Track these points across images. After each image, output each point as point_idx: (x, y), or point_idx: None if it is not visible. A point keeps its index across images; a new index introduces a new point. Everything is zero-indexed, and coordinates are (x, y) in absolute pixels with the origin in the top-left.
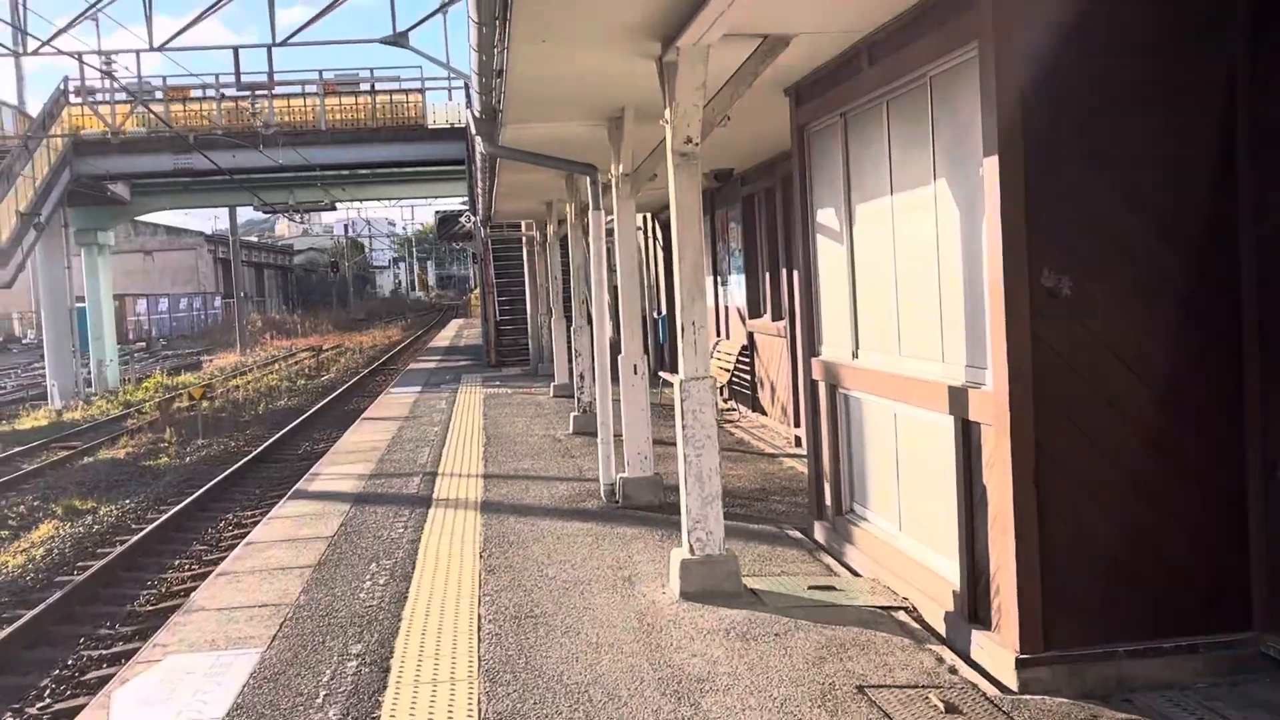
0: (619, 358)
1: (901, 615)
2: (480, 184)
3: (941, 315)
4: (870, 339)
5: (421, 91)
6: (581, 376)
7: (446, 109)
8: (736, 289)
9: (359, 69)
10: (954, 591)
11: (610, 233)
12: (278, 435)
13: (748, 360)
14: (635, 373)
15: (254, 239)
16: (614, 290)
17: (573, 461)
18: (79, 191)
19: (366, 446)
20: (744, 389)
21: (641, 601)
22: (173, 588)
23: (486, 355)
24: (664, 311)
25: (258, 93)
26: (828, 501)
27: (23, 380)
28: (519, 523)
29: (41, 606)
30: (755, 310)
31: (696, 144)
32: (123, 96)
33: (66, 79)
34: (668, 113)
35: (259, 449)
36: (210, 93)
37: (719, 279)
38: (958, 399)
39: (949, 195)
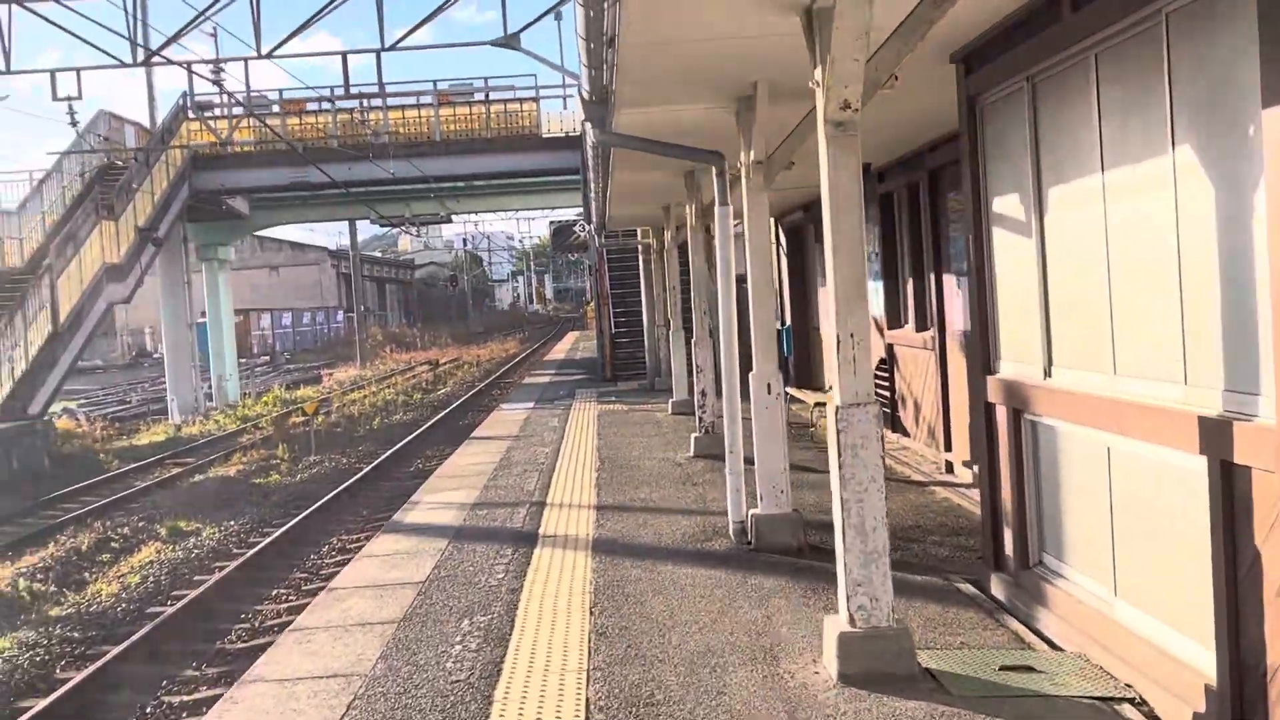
0: (749, 375)
1: (1128, 710)
2: (594, 186)
3: (1183, 323)
4: (1070, 353)
5: (536, 100)
6: (703, 394)
7: (561, 118)
8: (872, 296)
9: (472, 79)
10: (1207, 687)
11: (737, 236)
12: (389, 452)
13: (886, 374)
14: (769, 392)
15: (377, 254)
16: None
17: (695, 490)
18: (198, 206)
19: (472, 470)
20: (883, 406)
21: (789, 685)
22: (268, 621)
23: (602, 370)
24: (787, 323)
25: (371, 102)
26: (1008, 550)
27: (148, 395)
28: (635, 568)
29: (125, 644)
30: (895, 319)
31: (856, 110)
32: (239, 111)
33: (184, 94)
34: (819, 73)
35: (369, 467)
36: (326, 105)
37: None
38: (1214, 434)
39: (1196, 167)
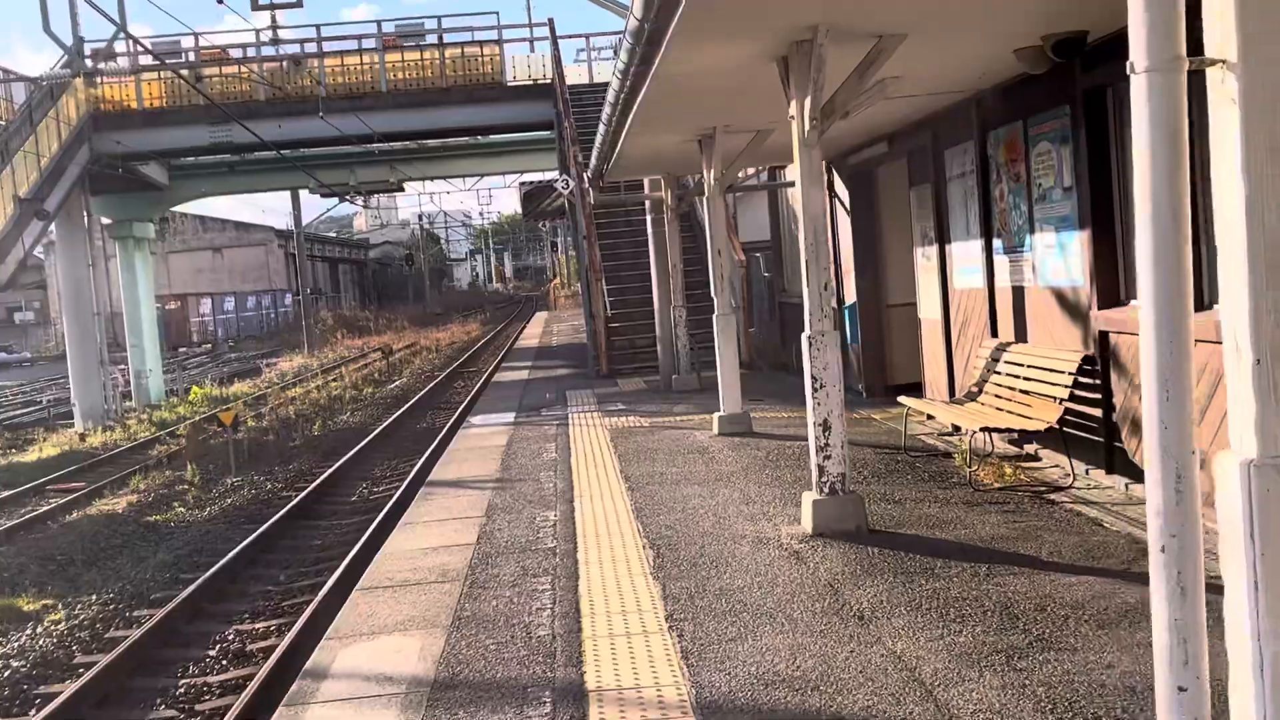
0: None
1: None
2: (608, 120)
3: None
4: None
5: (499, 43)
6: (826, 427)
7: (529, 62)
8: (1054, 257)
9: (423, 18)
10: None
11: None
12: (329, 470)
13: (1096, 382)
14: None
15: (333, 234)
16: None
17: (867, 634)
18: (105, 175)
19: (426, 574)
20: (1089, 432)
21: None
22: None
23: (596, 363)
24: (849, 299)
25: (305, 49)
26: None
27: (62, 394)
28: None
29: None
30: (1111, 293)
31: None
32: (147, 62)
33: (81, 39)
34: None
35: (301, 495)
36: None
37: (998, 241)
38: None
39: None
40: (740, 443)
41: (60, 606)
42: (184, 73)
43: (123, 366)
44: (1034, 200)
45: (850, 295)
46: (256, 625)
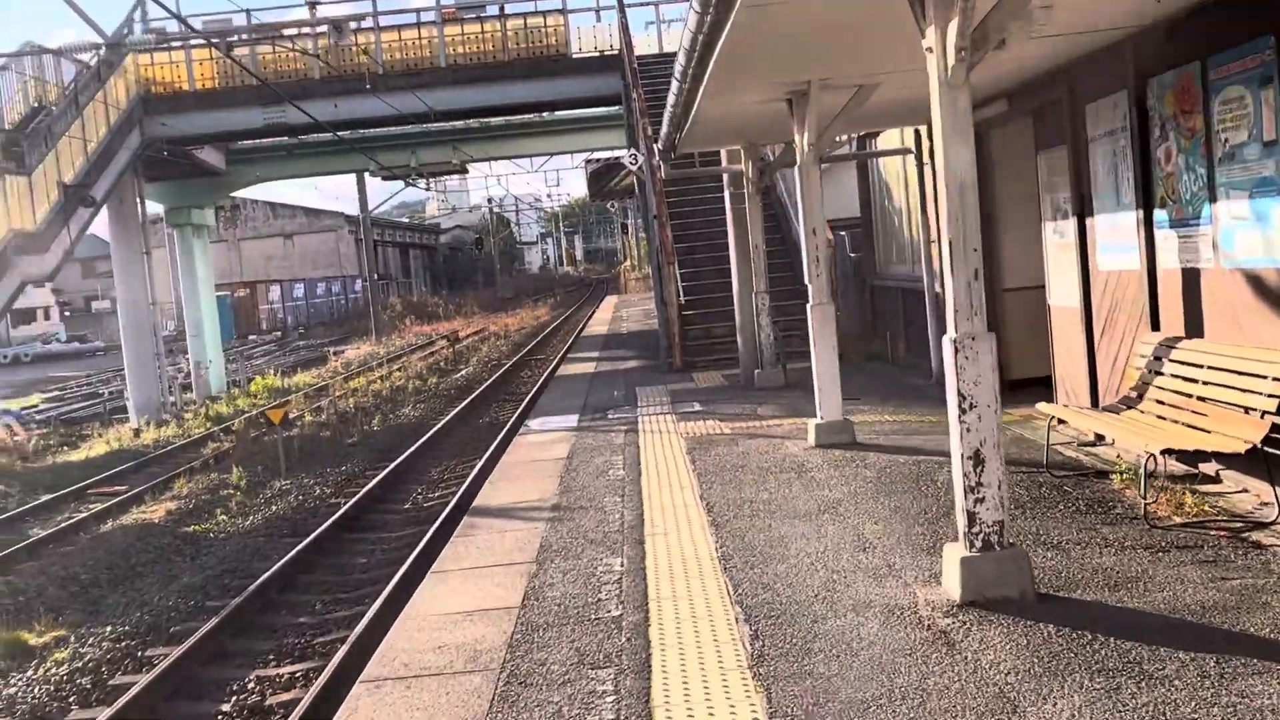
0: None
1: None
2: (683, 74)
3: None
4: None
5: (564, 12)
6: (978, 458)
7: (595, 32)
8: (1246, 231)
9: None
10: None
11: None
12: (383, 473)
13: None
14: None
15: (404, 219)
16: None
17: None
18: (162, 161)
19: (452, 657)
20: None
21: None
22: None
23: (668, 355)
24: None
25: (362, 24)
26: None
27: (124, 386)
28: None
29: None
30: None
31: None
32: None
33: (131, 17)
34: None
35: (349, 503)
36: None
37: (1162, 213)
38: None
39: None
40: (843, 458)
41: (70, 640)
42: (240, 54)
43: (186, 357)
44: (1217, 160)
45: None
46: (281, 670)
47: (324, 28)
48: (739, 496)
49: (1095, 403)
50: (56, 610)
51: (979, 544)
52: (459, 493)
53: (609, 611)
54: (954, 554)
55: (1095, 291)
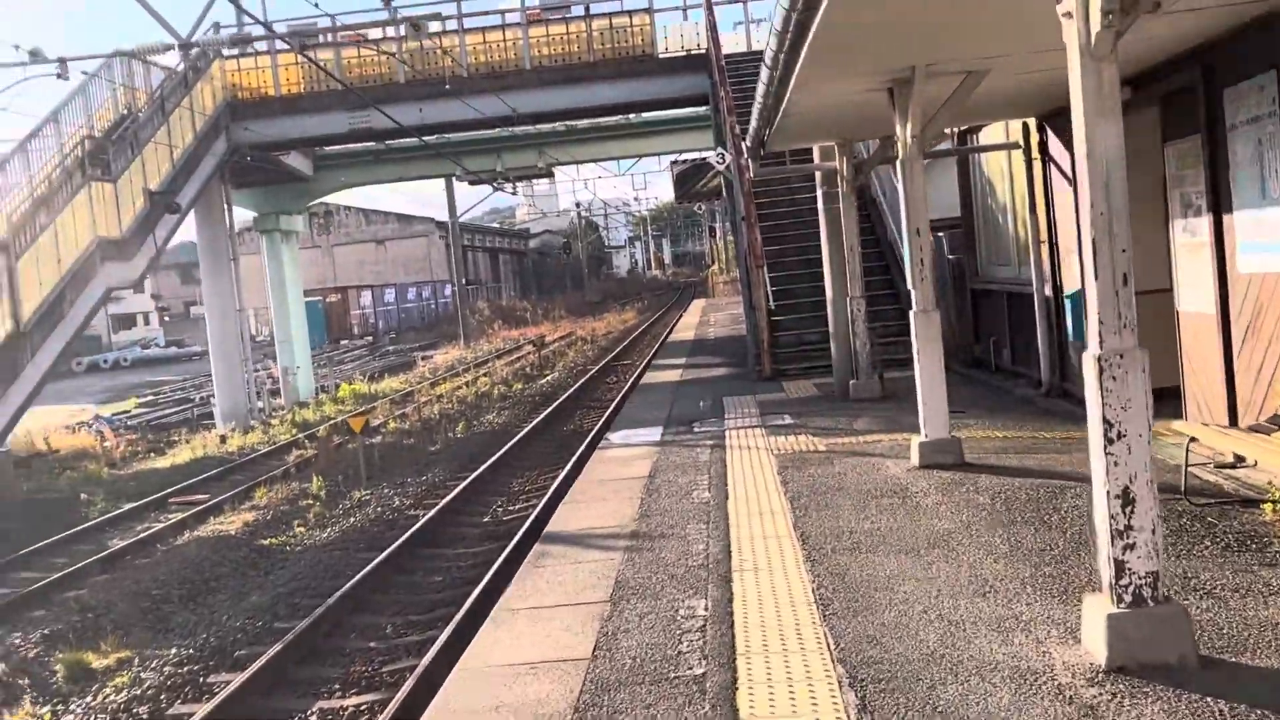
0: None
1: None
2: (773, 61)
3: None
4: None
5: (650, 12)
6: (1127, 500)
7: (681, 31)
8: None
9: None
10: None
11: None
12: (463, 484)
13: None
14: None
15: (494, 225)
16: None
17: None
18: (248, 167)
19: (515, 717)
20: None
21: None
22: None
23: (757, 363)
24: (1077, 285)
25: (446, 27)
26: None
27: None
28: None
29: None
30: None
31: None
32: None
33: (218, 25)
34: None
35: (428, 515)
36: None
37: None
38: None
39: None
40: (951, 481)
41: (133, 663)
42: (324, 57)
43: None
44: None
45: (1073, 282)
46: (346, 702)
47: (403, 26)
48: (836, 525)
49: (1234, 419)
50: (124, 628)
51: (1128, 598)
52: (538, 507)
53: (690, 669)
54: (1097, 608)
55: (1234, 296)
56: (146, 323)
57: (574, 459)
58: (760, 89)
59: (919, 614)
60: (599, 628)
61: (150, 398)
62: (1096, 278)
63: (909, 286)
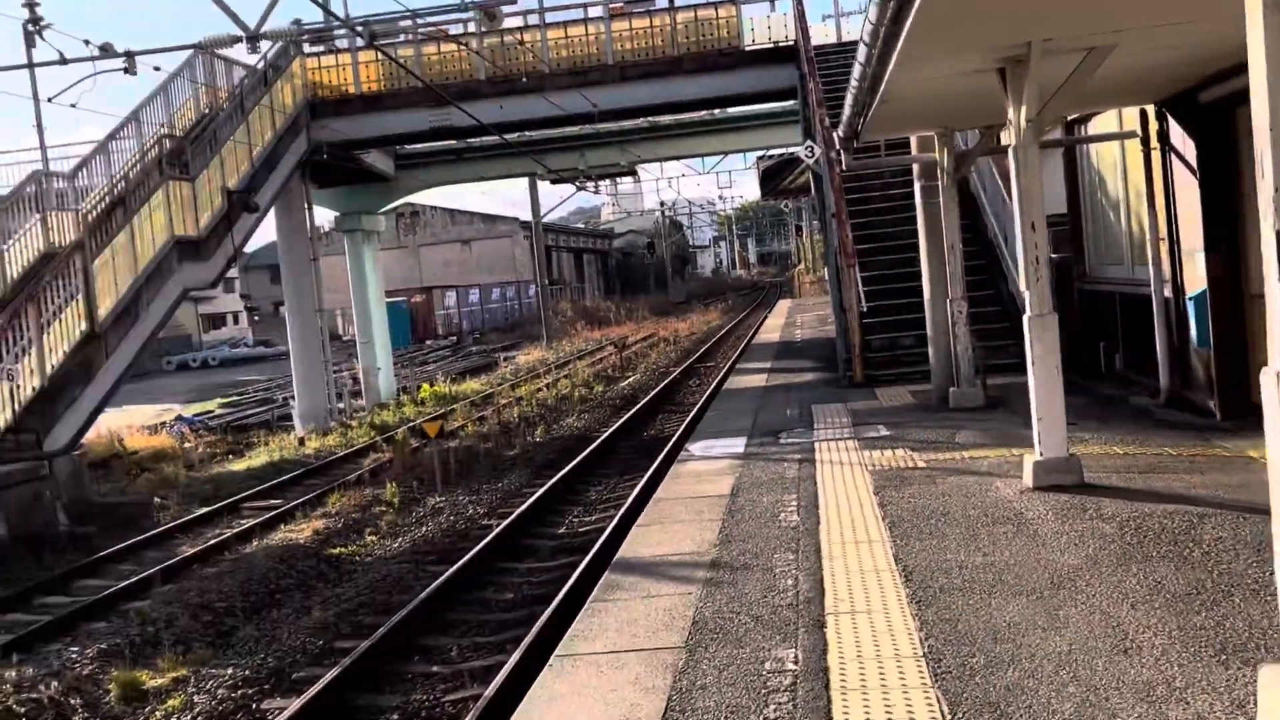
0: None
1: None
2: (871, 38)
3: None
4: None
5: (736, 3)
6: None
7: (769, 23)
8: None
9: None
10: None
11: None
12: (538, 492)
13: None
14: None
15: (580, 225)
16: None
17: None
18: (328, 166)
19: None
20: None
21: None
22: None
23: (847, 368)
24: (1200, 286)
25: (529, 22)
26: None
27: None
28: None
29: None
30: None
31: None
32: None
33: (299, 21)
34: None
35: (502, 525)
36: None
37: None
38: None
39: None
40: (1071, 506)
41: (189, 683)
42: (405, 54)
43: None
44: None
45: (1195, 282)
46: None
47: (473, 13)
48: (943, 559)
49: None
50: (184, 643)
51: None
52: (614, 520)
53: None
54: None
55: None
56: (236, 322)
57: (651, 470)
58: (856, 70)
59: (1049, 676)
60: (671, 683)
61: (234, 398)
62: None
63: (1022, 288)
